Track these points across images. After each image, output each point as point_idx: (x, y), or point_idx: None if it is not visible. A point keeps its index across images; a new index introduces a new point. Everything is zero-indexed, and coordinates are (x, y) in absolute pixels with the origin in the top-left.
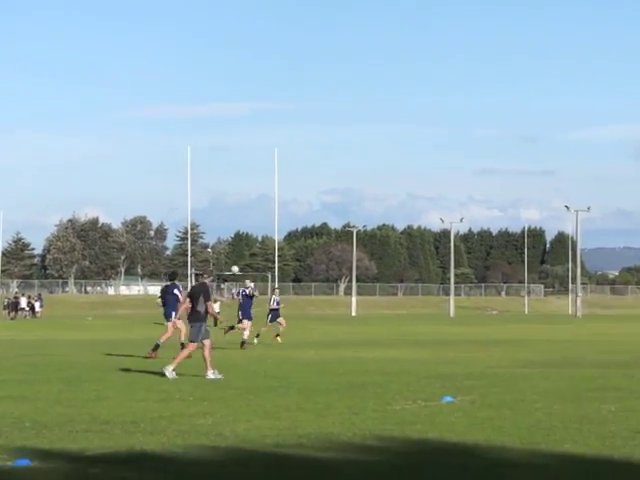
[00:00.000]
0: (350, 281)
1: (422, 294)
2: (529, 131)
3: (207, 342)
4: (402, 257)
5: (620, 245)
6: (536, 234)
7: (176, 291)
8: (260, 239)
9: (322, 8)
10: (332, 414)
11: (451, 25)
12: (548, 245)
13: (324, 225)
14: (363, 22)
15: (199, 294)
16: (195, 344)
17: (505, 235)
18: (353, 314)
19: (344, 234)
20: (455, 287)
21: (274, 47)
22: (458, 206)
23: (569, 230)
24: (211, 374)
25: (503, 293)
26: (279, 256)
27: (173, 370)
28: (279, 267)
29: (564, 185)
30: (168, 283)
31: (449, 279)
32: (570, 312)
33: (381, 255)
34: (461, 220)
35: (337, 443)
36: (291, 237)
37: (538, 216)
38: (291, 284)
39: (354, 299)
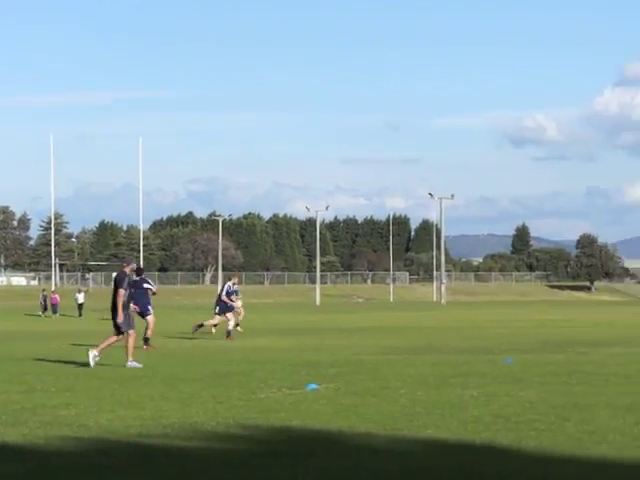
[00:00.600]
0: (216, 270)
1: (288, 283)
2: (393, 119)
3: (132, 332)
4: (268, 246)
5: (484, 232)
6: (401, 222)
7: (146, 285)
8: (125, 228)
9: None
10: (196, 403)
11: (319, 11)
12: (413, 233)
13: (189, 214)
14: (232, 7)
15: (122, 282)
16: (133, 331)
17: (370, 223)
18: None
19: (210, 223)
20: (321, 275)
21: (137, 35)
22: (324, 194)
23: (433, 218)
24: (131, 363)
25: (369, 281)
26: (144, 245)
27: (133, 361)
28: (144, 256)
29: (429, 173)
30: (136, 279)
31: (315, 267)
32: (435, 299)
33: (247, 244)
34: (327, 208)
35: (201, 432)
36: (156, 226)
37: (403, 204)
38: (157, 273)
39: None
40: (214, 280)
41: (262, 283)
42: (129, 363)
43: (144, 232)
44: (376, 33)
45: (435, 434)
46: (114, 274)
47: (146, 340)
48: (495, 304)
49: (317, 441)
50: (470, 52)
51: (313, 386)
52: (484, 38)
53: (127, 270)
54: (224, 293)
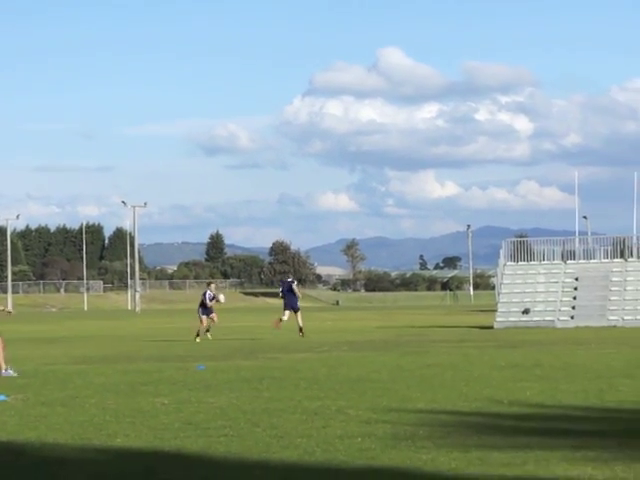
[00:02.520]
0: None
1: None
2: (86, 127)
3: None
4: None
5: (178, 240)
6: (95, 230)
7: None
8: None
9: None
10: None
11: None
12: (107, 241)
13: None
14: None
15: None
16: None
17: (63, 232)
18: None
19: None
20: (13, 285)
21: None
22: (15, 203)
23: (127, 226)
24: (5, 371)
25: (62, 290)
26: None
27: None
28: None
29: (122, 181)
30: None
31: (6, 277)
32: (129, 307)
33: None
34: (17, 217)
35: None
36: None
37: (97, 212)
38: None
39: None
40: None
41: None
42: (4, 372)
43: None
44: (73, 39)
45: (125, 442)
46: None
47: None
48: (190, 312)
49: (2, 453)
50: (159, 60)
51: (1, 397)
52: (175, 45)
53: None
54: (207, 299)
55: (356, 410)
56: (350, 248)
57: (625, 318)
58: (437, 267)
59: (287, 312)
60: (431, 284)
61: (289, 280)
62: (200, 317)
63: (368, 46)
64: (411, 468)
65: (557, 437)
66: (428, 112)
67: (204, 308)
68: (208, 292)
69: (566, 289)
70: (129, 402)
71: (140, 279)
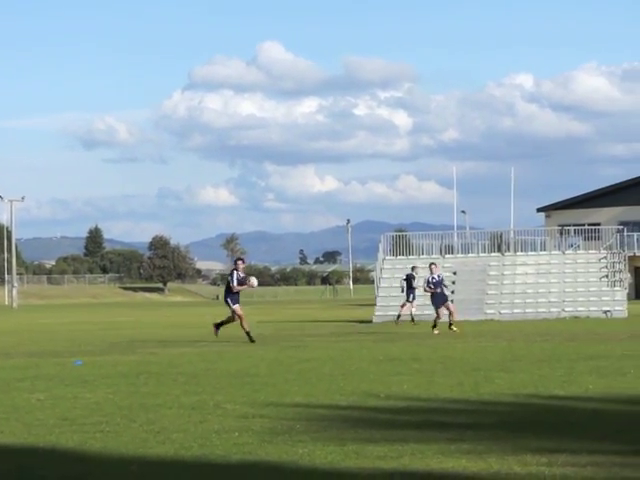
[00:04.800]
0: None
1: None
2: None
3: None
4: None
5: (57, 234)
6: None
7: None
8: None
9: None
10: None
11: None
12: None
13: None
14: None
15: None
16: None
17: None
18: None
19: None
20: None
21: None
22: None
23: (4, 220)
24: None
25: None
26: None
27: None
28: None
29: None
30: None
31: None
32: (7, 303)
33: None
34: None
35: None
36: None
37: None
38: None
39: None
40: None
41: None
42: None
43: None
44: None
45: None
46: None
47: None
48: (68, 307)
49: None
50: (36, 54)
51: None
52: (53, 38)
53: None
54: (235, 282)
55: (234, 405)
56: (230, 242)
57: (502, 312)
58: (317, 261)
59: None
60: (311, 278)
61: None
62: (232, 307)
63: (248, 40)
64: (287, 462)
65: (433, 430)
66: (308, 107)
67: (232, 294)
68: (237, 273)
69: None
70: (3, 398)
71: (17, 274)
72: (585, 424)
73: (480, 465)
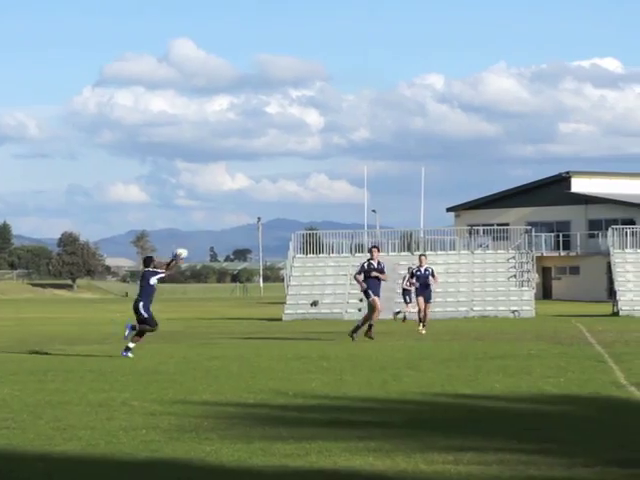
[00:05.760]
0: None
1: None
2: None
3: None
4: None
5: None
6: None
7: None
8: None
9: None
10: None
11: None
12: None
13: None
14: None
15: None
16: None
17: None
18: None
19: None
20: None
21: None
22: None
23: None
24: None
25: None
26: None
27: None
28: None
29: None
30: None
31: None
32: None
33: None
34: None
35: None
36: None
37: None
38: None
39: None
40: None
41: None
42: None
43: None
44: None
45: None
46: None
47: None
48: None
49: None
50: None
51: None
52: None
53: None
54: None
55: (141, 402)
56: (140, 240)
57: (411, 311)
58: (228, 259)
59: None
60: (221, 276)
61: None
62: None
63: (159, 37)
64: (194, 459)
65: (341, 428)
66: (219, 104)
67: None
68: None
69: (354, 281)
70: None
71: None
72: (491, 423)
73: (387, 463)
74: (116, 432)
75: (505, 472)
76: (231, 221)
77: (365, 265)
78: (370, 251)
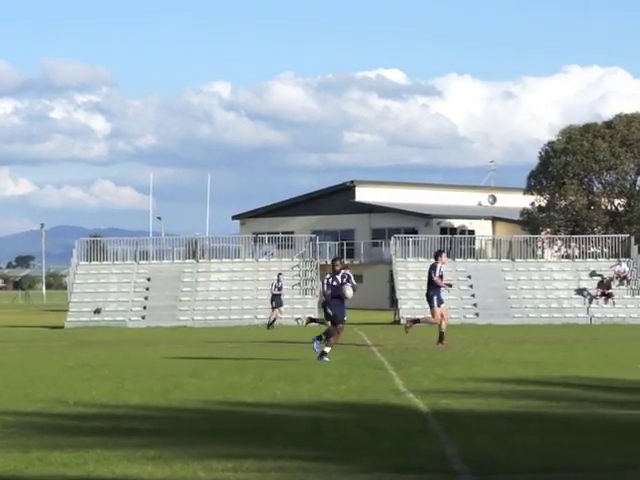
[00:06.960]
0: None
1: None
2: None
3: None
4: None
5: None
6: None
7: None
8: None
9: None
10: None
11: None
12: None
13: None
14: None
15: None
16: None
17: None
18: None
19: None
20: None
21: None
22: None
23: None
24: None
25: None
26: None
27: None
28: None
29: None
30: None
31: None
32: None
33: None
34: None
35: None
36: None
37: None
38: None
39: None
40: None
41: None
42: None
43: None
44: None
45: None
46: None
47: None
48: None
49: None
50: None
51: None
52: None
53: None
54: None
55: None
56: None
57: (195, 318)
58: (10, 266)
59: None
60: (3, 283)
61: None
62: None
63: None
64: None
65: (120, 436)
66: (2, 109)
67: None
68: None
69: (138, 289)
70: None
71: None
72: (271, 430)
73: (166, 471)
74: None
75: (284, 479)
76: (13, 227)
77: (440, 267)
78: (440, 255)
